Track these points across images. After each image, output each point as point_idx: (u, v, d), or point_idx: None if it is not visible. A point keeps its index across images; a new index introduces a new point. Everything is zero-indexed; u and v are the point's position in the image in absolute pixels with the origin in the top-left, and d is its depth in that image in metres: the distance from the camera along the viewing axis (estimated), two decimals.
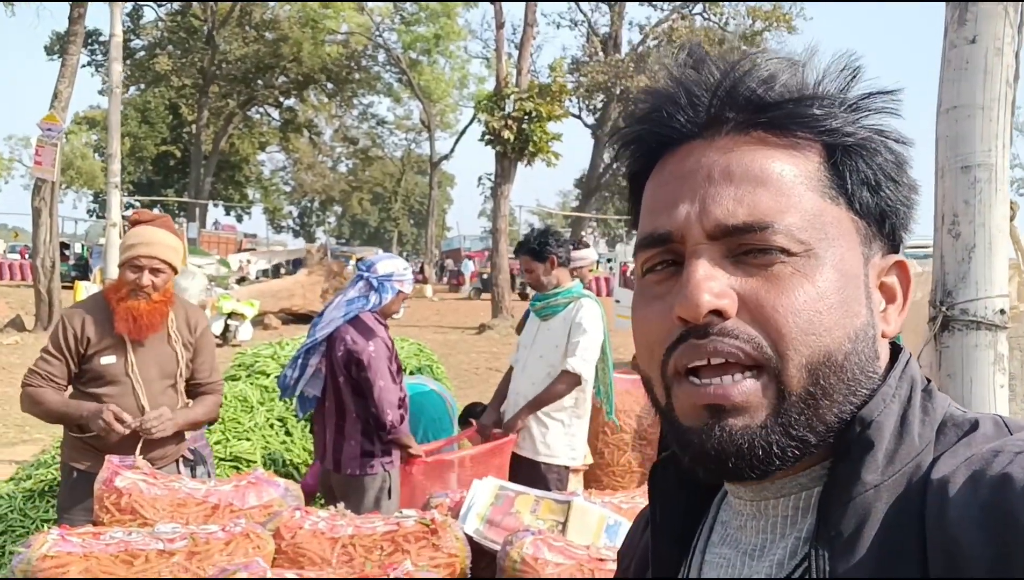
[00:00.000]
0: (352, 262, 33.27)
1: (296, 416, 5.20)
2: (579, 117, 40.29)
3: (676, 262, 0.70)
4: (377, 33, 41.64)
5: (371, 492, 3.89)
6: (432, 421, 5.28)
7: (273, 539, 2.82)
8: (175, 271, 3.39)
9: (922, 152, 0.82)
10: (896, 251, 0.74)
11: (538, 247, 4.39)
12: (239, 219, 63.46)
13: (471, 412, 5.45)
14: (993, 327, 1.60)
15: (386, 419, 3.87)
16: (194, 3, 42.81)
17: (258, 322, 19.15)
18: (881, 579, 0.61)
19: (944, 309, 1.63)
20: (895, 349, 0.74)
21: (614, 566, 3.00)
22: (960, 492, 0.60)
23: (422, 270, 38.67)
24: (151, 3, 39.39)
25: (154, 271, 3.29)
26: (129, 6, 44.11)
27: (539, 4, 24.71)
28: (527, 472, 4.29)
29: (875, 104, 0.71)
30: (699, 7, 36.74)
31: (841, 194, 0.69)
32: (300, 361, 4.11)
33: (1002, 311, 1.62)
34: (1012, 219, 1.73)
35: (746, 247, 0.67)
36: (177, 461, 3.49)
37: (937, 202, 1.70)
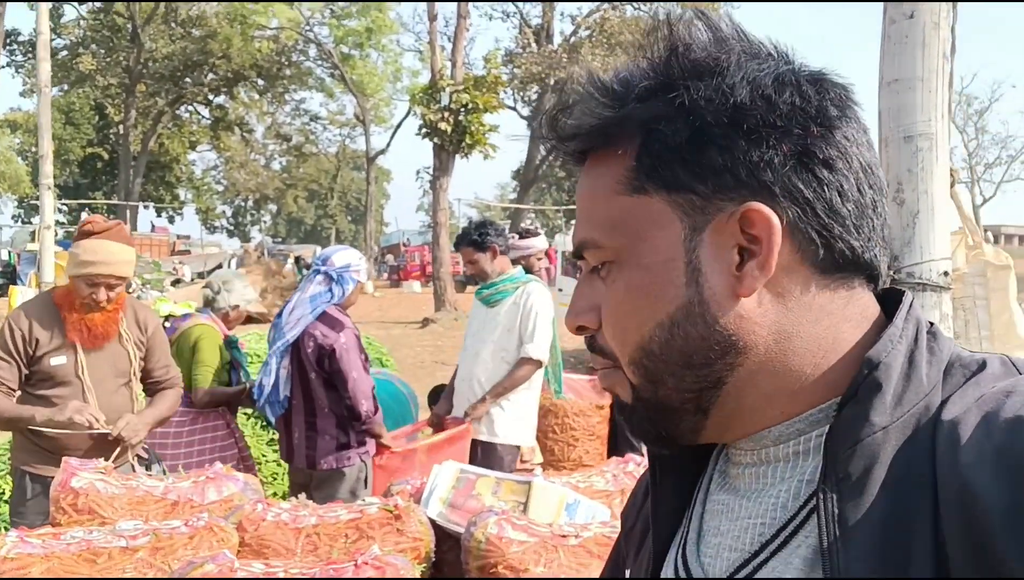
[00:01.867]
0: (290, 261, 32.90)
1: (267, 422, 5.11)
2: (515, 109, 40.35)
3: None
4: (307, 28, 41.08)
5: (348, 483, 3.93)
6: (391, 412, 5.29)
7: (236, 532, 2.82)
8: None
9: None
10: (761, 194, 0.68)
11: (479, 238, 4.45)
12: (171, 220, 62.21)
13: (437, 396, 5.44)
14: (937, 288, 1.68)
15: (361, 409, 3.88)
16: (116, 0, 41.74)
17: None
18: (891, 521, 0.61)
19: (891, 273, 1.71)
20: (898, 294, 0.75)
21: (576, 541, 3.05)
22: (973, 435, 0.60)
23: None
24: (73, 1, 38.01)
25: (110, 286, 3.24)
26: (50, 4, 42.88)
27: None
28: (484, 454, 4.36)
29: (675, 74, 0.71)
30: None
31: (649, 181, 0.71)
32: (274, 366, 4.07)
33: (945, 273, 1.70)
34: (952, 186, 1.81)
35: (594, 265, 0.76)
36: (131, 461, 3.44)
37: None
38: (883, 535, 0.61)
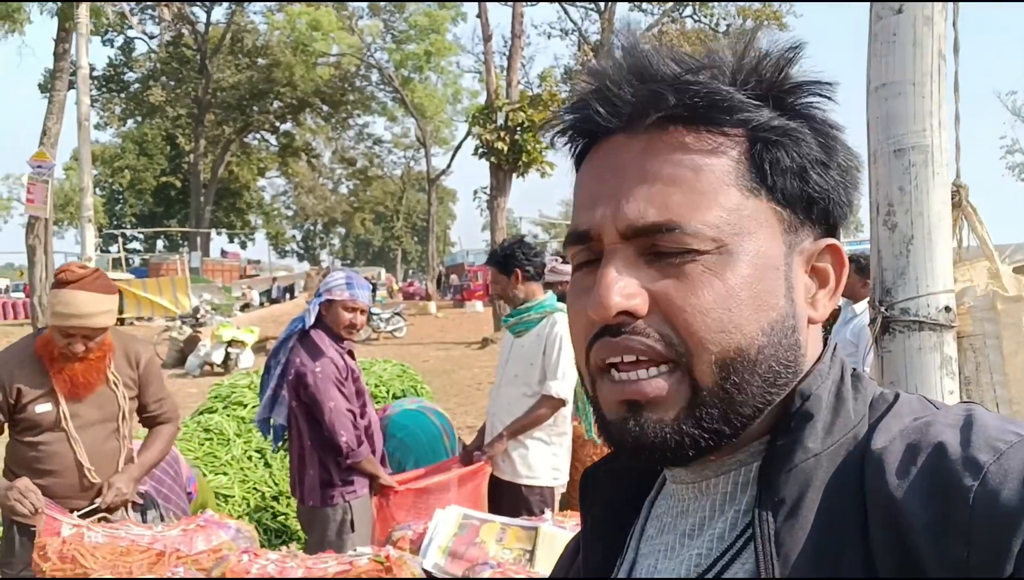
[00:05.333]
0: None
1: (273, 448, 5.05)
2: None
3: (599, 258, 0.71)
4: (368, 53, 41.64)
5: (332, 525, 3.70)
6: (419, 446, 5.08)
7: None
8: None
9: (856, 135, 0.82)
10: (832, 234, 0.74)
11: (503, 259, 4.16)
12: (243, 246, 63.51)
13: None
14: (938, 327, 1.42)
15: (340, 440, 3.68)
16: (185, 33, 42.95)
17: (260, 348, 19.01)
18: (824, 541, 0.63)
19: (883, 309, 1.45)
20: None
21: None
22: (899, 461, 0.62)
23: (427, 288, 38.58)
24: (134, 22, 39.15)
25: (88, 337, 3.11)
26: (120, 39, 44.33)
27: (528, 15, 24.66)
28: (509, 496, 4.09)
29: (801, 93, 0.71)
30: (689, 9, 36.60)
31: (762, 185, 0.69)
32: (262, 388, 3.99)
33: (947, 308, 1.45)
34: (958, 205, 1.55)
35: (658, 247, 0.68)
36: (126, 506, 3.32)
37: (871, 190, 1.52)
38: (817, 553, 0.62)
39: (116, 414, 3.22)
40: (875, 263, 1.51)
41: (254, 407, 5.77)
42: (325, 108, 47.42)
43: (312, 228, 74.02)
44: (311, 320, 3.85)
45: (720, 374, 0.67)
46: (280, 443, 4.15)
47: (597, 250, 0.72)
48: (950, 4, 1.53)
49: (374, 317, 21.93)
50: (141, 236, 53.20)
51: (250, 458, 5.52)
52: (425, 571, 2.82)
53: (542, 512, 4.01)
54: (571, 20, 39.12)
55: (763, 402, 0.69)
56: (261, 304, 34.70)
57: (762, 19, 35.21)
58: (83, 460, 3.14)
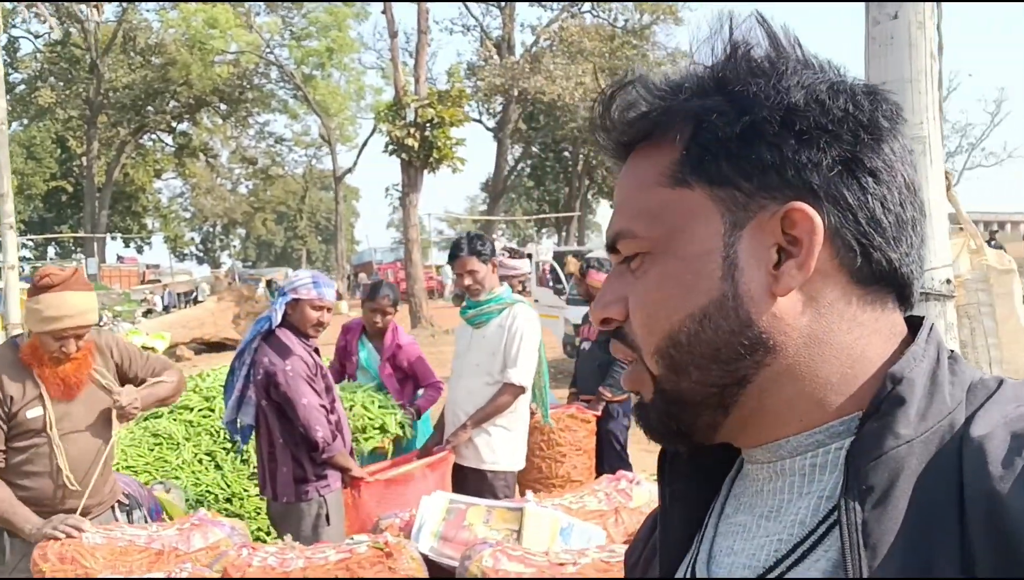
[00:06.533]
0: (262, 285, 32.56)
1: (238, 450, 5.08)
2: (480, 121, 40.34)
3: None
4: (268, 50, 40.87)
5: (307, 519, 3.76)
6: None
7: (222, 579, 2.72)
8: None
9: None
10: (806, 196, 0.68)
11: (482, 248, 4.29)
12: (139, 250, 61.50)
13: None
14: (941, 297, 1.62)
15: (316, 436, 3.74)
16: (73, 31, 41.36)
17: (171, 354, 18.58)
18: (916, 533, 0.61)
19: None
20: (918, 319, 0.75)
21: (573, 569, 2.96)
22: (1003, 451, 0.60)
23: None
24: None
25: (78, 336, 3.15)
26: (3, 38, 42.42)
27: (431, 10, 24.70)
28: (474, 482, 4.23)
29: (717, 78, 0.71)
30: (587, 5, 37.16)
31: (692, 174, 0.71)
32: (227, 389, 4.03)
33: (948, 281, 1.65)
34: (948, 189, 1.76)
35: (625, 256, 0.75)
36: (113, 507, 3.33)
37: None
38: (908, 546, 0.60)
39: (106, 413, 3.23)
40: None
41: (200, 410, 5.72)
42: (223, 107, 46.26)
43: (212, 230, 72.29)
44: (278, 319, 3.90)
45: (661, 362, 0.72)
46: (247, 442, 4.19)
47: None
48: (935, 9, 1.73)
49: None
50: (31, 243, 50.97)
51: (200, 461, 5.47)
52: (422, 554, 2.93)
53: (507, 496, 4.18)
54: (473, 16, 39.32)
55: (720, 380, 0.71)
56: (165, 308, 33.76)
57: (658, 13, 36.08)
58: (63, 466, 3.14)
